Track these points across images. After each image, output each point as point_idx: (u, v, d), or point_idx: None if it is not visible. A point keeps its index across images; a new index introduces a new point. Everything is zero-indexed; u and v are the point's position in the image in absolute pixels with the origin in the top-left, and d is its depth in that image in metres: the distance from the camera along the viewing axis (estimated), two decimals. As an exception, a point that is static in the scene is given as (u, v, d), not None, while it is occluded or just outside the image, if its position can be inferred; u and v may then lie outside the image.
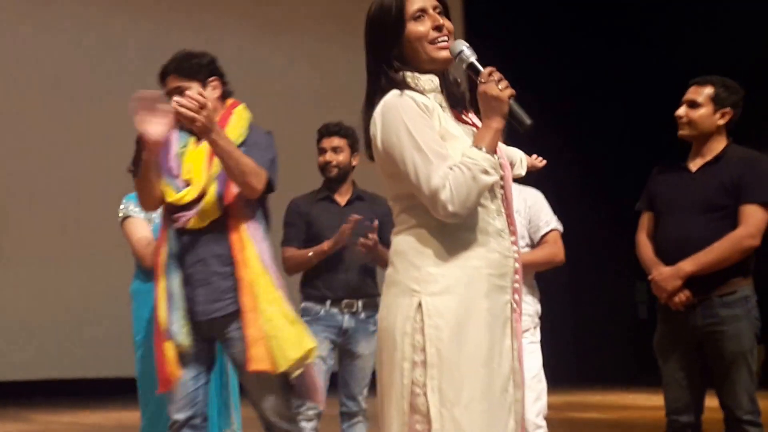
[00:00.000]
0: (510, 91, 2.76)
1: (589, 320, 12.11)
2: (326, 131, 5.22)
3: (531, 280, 4.53)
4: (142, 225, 4.66)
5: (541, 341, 4.51)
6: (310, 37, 11.57)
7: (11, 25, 10.21)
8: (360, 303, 5.05)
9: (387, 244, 4.95)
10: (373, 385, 4.75)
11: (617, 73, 11.85)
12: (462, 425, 2.66)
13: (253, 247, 3.91)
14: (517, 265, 2.84)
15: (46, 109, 10.34)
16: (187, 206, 3.94)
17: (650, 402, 8.53)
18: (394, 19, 2.81)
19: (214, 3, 11.26)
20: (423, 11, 2.82)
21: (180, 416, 4.00)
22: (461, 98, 2.94)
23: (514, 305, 2.82)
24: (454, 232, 2.76)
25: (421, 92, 2.80)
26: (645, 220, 4.48)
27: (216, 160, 3.93)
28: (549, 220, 4.55)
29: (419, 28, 2.81)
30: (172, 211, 3.96)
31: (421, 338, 2.72)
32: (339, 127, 5.24)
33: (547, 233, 4.53)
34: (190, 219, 3.93)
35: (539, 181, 4.54)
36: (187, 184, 3.95)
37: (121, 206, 4.71)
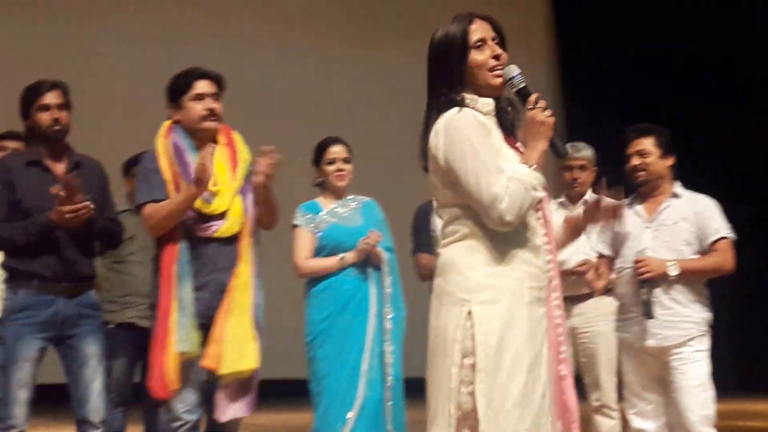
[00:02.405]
0: (553, 119, 2.99)
1: (754, 328, 11.80)
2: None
3: (700, 288, 4.50)
4: (308, 237, 4.89)
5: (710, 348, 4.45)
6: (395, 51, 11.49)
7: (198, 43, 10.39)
8: None
9: None
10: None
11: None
12: (506, 428, 2.82)
13: (249, 260, 4.17)
14: (554, 281, 3.02)
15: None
16: (215, 216, 4.15)
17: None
18: (459, 47, 3.04)
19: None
20: (483, 41, 3.05)
21: (193, 417, 4.12)
22: (510, 124, 3.12)
23: (557, 319, 3.02)
24: (501, 245, 2.95)
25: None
26: None
27: (238, 173, 4.24)
28: (719, 228, 4.49)
29: (479, 56, 3.04)
30: (198, 220, 4.13)
31: (471, 344, 2.89)
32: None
33: (716, 241, 4.47)
34: (219, 228, 4.15)
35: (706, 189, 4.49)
36: (213, 194, 4.15)
37: (296, 214, 4.93)
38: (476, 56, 3.03)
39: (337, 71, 9.72)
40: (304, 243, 4.88)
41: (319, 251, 4.89)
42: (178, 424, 4.11)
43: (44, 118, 4.44)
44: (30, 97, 4.49)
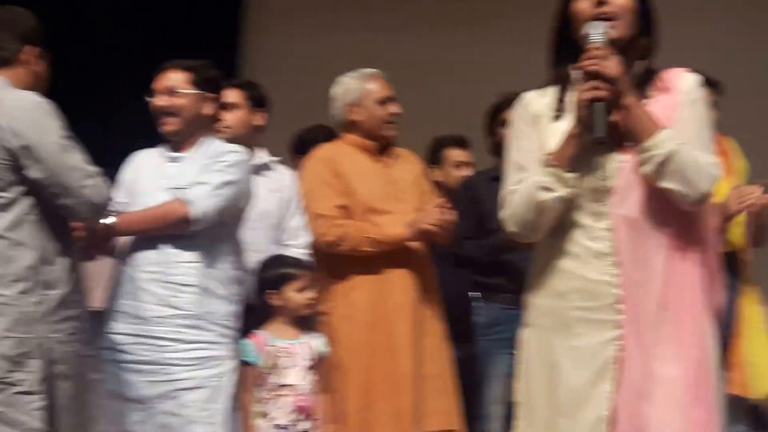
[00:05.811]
0: (591, 94, 2.35)
1: None
2: None
3: None
4: None
5: None
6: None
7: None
8: None
9: None
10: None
11: None
12: None
13: None
14: (618, 291, 2.39)
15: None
16: None
17: None
18: None
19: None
20: None
21: None
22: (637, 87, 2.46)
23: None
24: (543, 255, 2.50)
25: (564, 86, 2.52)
26: None
27: None
28: None
29: (581, 4, 2.46)
30: None
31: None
32: None
33: None
34: None
35: None
36: None
37: None
38: (577, 4, 2.45)
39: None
40: None
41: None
42: None
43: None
44: (492, 113, 4.45)
